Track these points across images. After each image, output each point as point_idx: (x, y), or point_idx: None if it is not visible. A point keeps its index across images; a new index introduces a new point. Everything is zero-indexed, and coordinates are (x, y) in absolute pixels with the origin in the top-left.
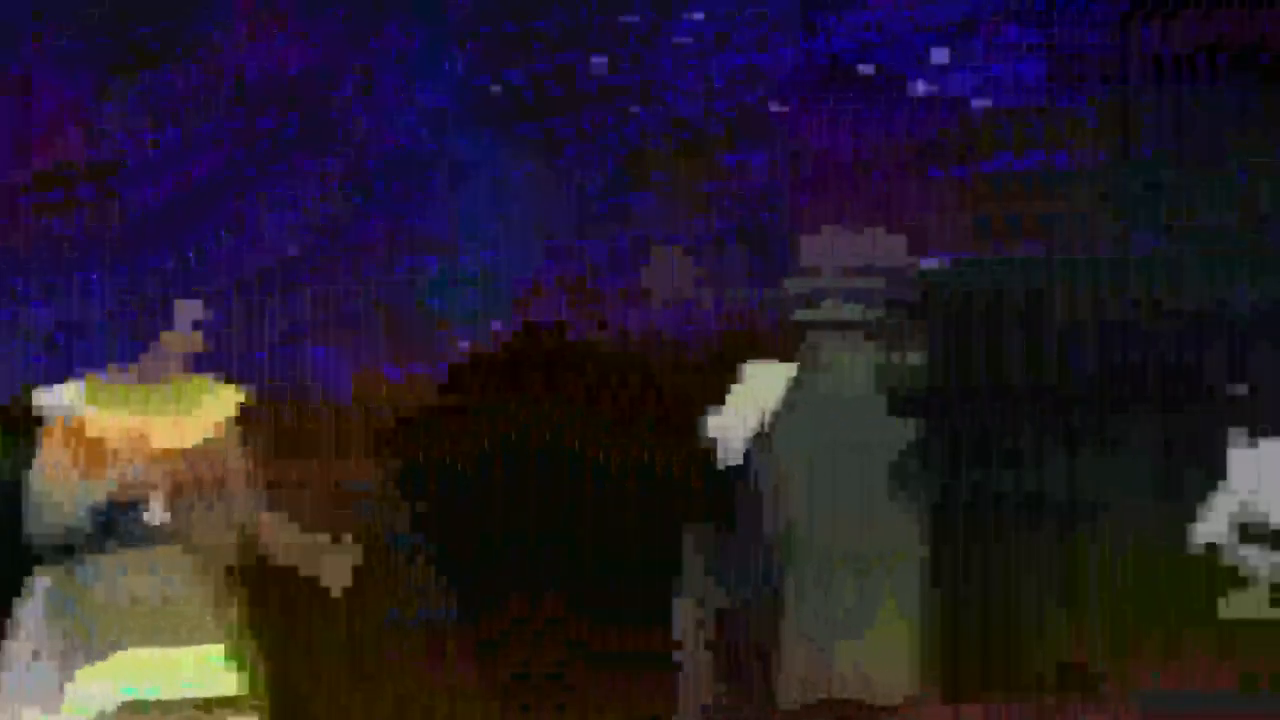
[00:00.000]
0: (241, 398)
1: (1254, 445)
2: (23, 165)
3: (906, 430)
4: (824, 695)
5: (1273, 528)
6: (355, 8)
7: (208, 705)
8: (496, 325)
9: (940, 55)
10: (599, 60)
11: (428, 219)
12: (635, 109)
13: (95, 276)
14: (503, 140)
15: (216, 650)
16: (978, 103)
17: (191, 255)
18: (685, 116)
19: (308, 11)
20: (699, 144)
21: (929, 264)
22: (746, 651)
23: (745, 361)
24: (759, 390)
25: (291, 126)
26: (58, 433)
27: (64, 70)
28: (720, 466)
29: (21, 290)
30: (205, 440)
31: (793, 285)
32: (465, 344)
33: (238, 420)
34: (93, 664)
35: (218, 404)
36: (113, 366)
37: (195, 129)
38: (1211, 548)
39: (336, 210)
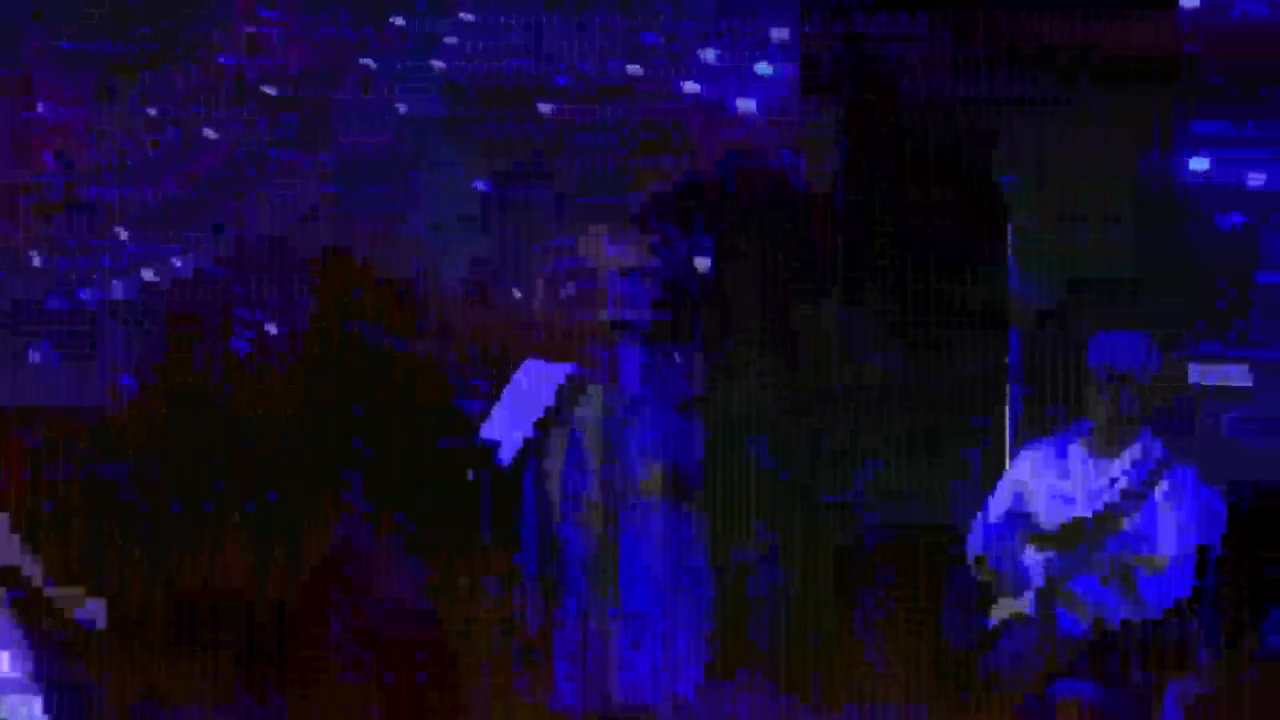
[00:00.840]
0: None
1: (1029, 446)
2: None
3: (677, 430)
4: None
5: (1033, 524)
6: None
7: None
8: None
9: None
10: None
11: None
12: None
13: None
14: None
15: None
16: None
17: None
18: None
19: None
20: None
21: (702, 264)
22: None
23: (524, 360)
24: (534, 389)
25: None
26: None
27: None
28: (499, 466)
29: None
30: None
31: (571, 286)
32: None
33: None
34: None
35: None
36: None
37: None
38: (985, 547)
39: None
